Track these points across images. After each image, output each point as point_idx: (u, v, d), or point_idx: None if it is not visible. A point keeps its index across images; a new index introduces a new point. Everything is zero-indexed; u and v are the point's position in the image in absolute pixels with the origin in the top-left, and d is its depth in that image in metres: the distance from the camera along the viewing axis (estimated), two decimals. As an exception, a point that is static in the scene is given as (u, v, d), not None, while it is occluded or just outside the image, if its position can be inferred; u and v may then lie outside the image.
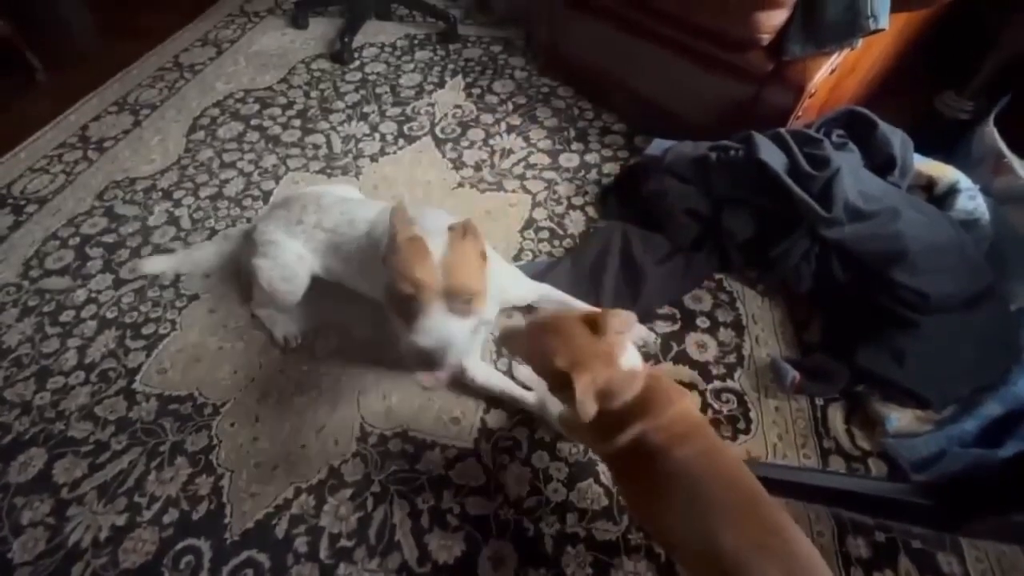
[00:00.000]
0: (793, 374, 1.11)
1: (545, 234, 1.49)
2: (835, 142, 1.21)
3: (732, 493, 0.72)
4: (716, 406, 1.15)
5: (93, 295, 1.37)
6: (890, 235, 1.06)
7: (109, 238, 1.51)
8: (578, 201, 1.59)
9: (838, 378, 1.10)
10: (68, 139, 1.84)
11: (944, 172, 1.22)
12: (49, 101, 1.98)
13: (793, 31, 1.23)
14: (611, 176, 1.66)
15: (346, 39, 2.18)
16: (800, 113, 1.30)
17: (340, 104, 1.96)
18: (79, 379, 1.21)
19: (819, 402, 1.14)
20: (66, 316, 1.33)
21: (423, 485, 1.05)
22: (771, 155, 1.17)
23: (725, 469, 0.75)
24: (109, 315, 1.33)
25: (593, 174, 1.68)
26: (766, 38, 1.27)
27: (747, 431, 1.11)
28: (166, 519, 1.01)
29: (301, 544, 0.98)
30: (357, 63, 2.15)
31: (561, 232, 1.50)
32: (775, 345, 1.25)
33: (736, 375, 1.20)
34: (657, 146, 1.44)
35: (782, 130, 1.23)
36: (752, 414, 1.13)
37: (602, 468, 1.06)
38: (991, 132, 1.31)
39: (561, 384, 0.77)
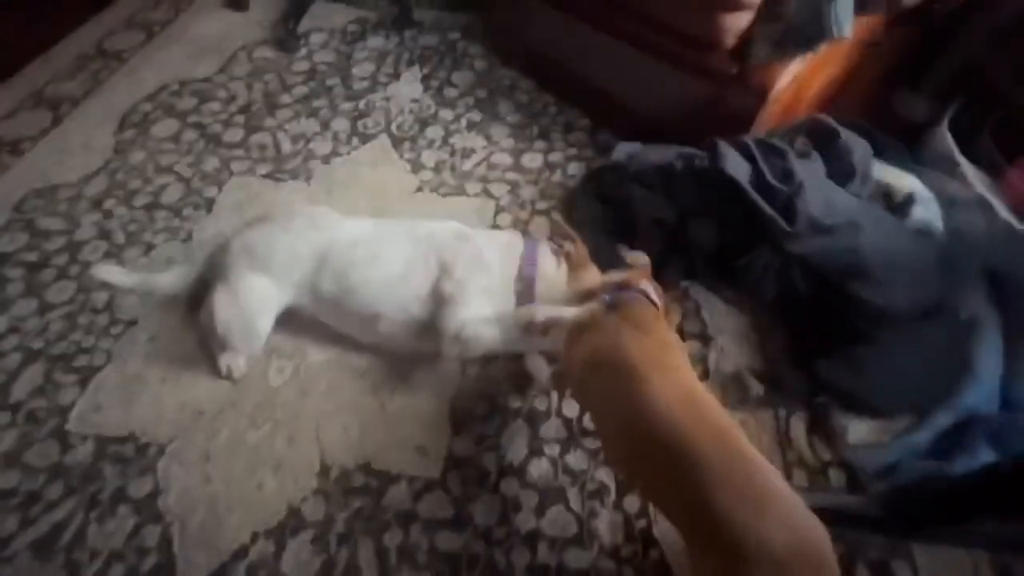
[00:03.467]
0: (757, 388, 1.12)
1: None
2: (799, 151, 1.20)
3: (720, 447, 0.69)
4: (683, 421, 1.15)
5: (15, 323, 1.25)
6: (850, 249, 1.07)
7: (31, 256, 1.37)
8: (543, 206, 1.54)
9: (799, 390, 1.12)
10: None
11: (902, 181, 1.23)
12: (-49, 95, 1.76)
13: (757, 35, 1.19)
14: (576, 177, 1.61)
15: (291, 24, 2.02)
16: (764, 118, 1.28)
17: (287, 98, 1.82)
18: (3, 421, 1.11)
19: (782, 414, 1.15)
20: (-16, 349, 1.21)
21: (389, 522, 1.01)
22: (736, 167, 1.15)
23: (710, 419, 0.73)
24: (35, 346, 1.21)
25: (557, 175, 1.63)
26: (730, 40, 1.24)
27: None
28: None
29: (260, 593, 0.94)
30: (304, 51, 2.00)
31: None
32: (739, 356, 1.26)
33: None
34: (622, 151, 1.40)
35: (747, 139, 1.21)
36: (718, 428, 1.14)
37: (571, 494, 1.05)
38: (944, 137, 1.32)
39: None
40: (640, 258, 1.05)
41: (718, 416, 0.74)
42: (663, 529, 1.01)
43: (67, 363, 1.19)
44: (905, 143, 1.44)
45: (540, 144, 1.71)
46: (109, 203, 1.50)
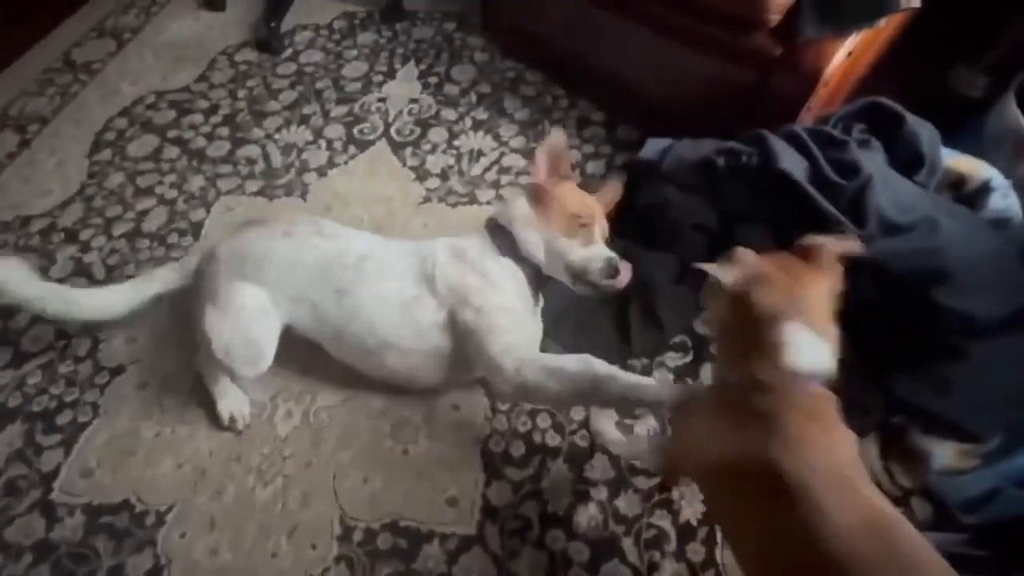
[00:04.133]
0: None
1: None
2: (857, 139, 1.07)
3: None
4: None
5: (-11, 379, 1.12)
6: (930, 251, 0.94)
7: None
8: (563, 211, 1.40)
9: (874, 408, 1.00)
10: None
11: (975, 169, 1.10)
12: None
13: (807, 9, 1.05)
14: (595, 176, 1.48)
15: (273, 23, 1.86)
16: (811, 104, 1.15)
17: (274, 105, 1.68)
18: (-22, 496, 0.98)
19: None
20: (-43, 409, 1.08)
21: (424, 589, 0.89)
22: (791, 162, 1.01)
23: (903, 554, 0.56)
24: (11, 403, 1.09)
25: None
26: (774, 18, 1.09)
27: (779, 478, 1.00)
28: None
29: None
30: (289, 51, 1.84)
31: (549, 251, 1.32)
32: (797, 369, 1.13)
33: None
34: (652, 147, 1.26)
35: (798, 129, 1.07)
36: (782, 457, 1.02)
37: (626, 544, 0.93)
38: (1013, 110, 1.19)
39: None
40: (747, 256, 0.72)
41: (913, 549, 0.58)
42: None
43: (49, 421, 1.06)
44: (958, 121, 1.31)
45: (554, 142, 1.56)
46: (86, 234, 1.36)
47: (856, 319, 1.04)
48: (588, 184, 1.01)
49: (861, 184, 0.96)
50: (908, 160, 1.07)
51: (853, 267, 1.00)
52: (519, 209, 1.03)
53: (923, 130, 1.07)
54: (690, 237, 1.14)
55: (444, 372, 1.00)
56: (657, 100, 1.44)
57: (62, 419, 1.07)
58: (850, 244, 0.70)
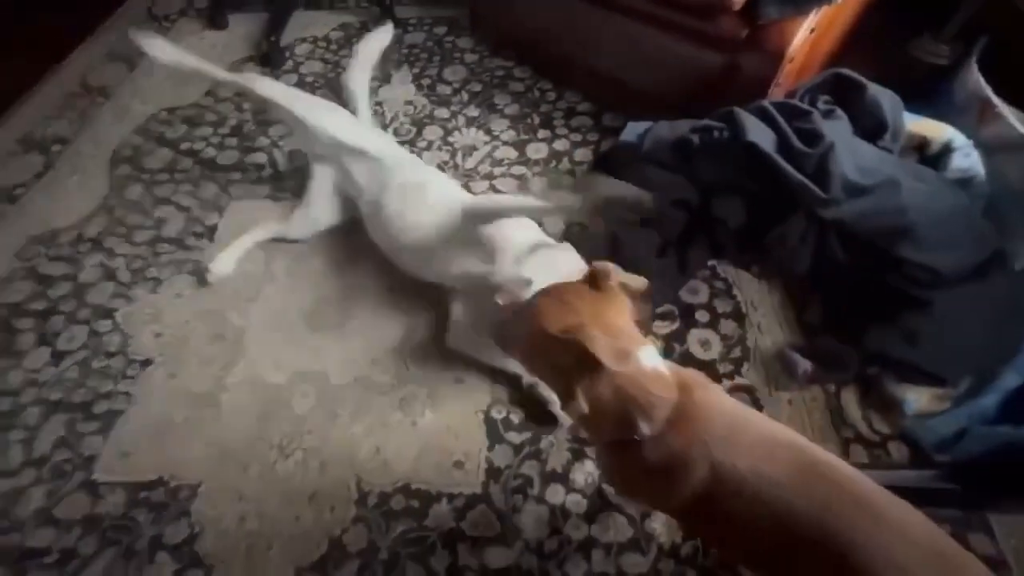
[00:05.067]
0: (805, 365, 1.06)
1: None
2: (822, 109, 1.13)
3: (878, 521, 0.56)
4: (728, 408, 1.10)
5: (31, 375, 1.21)
6: (893, 210, 1.01)
7: (39, 305, 1.34)
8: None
9: (850, 362, 1.06)
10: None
11: (937, 131, 1.16)
12: (-61, 149, 1.72)
13: (768, -11, 1.12)
14: (584, 164, 1.55)
15: (273, 37, 1.96)
16: (780, 81, 1.21)
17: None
18: (30, 478, 1.07)
19: (832, 389, 1.10)
20: (2, 405, 1.17)
21: (435, 543, 0.97)
22: (759, 134, 1.08)
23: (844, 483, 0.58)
24: (53, 397, 1.18)
25: (565, 163, 1.57)
26: (738, 1, 1.16)
27: (763, 431, 1.07)
28: (157, 625, 0.92)
29: (312, 633, 0.90)
30: (290, 63, 1.94)
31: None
32: (778, 331, 1.20)
33: (744, 369, 1.15)
34: (631, 131, 1.34)
35: (766, 103, 1.14)
36: (766, 410, 1.09)
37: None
38: (975, 77, 1.25)
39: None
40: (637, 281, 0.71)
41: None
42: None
43: (87, 411, 1.16)
44: (926, 90, 1.37)
45: (543, 133, 1.64)
46: (110, 242, 1.46)
47: (829, 280, 1.11)
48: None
49: (824, 151, 1.03)
50: (872, 126, 1.13)
51: (821, 232, 1.08)
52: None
53: (884, 98, 1.13)
54: (671, 213, 1.21)
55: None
56: (638, 87, 1.51)
57: (99, 408, 1.16)
58: (639, 281, 0.69)
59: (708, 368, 1.15)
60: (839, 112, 1.13)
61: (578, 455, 1.06)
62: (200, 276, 1.34)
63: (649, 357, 0.63)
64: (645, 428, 0.61)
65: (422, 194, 1.17)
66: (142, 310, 1.31)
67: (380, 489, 1.03)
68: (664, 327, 1.21)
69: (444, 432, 1.10)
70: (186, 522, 1.01)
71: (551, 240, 1.16)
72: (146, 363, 1.22)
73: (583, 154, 1.58)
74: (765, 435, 0.63)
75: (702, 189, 1.19)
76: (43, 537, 1.01)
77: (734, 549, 0.70)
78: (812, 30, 1.16)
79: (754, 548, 0.63)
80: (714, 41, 1.25)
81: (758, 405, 1.10)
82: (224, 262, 1.33)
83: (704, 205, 1.20)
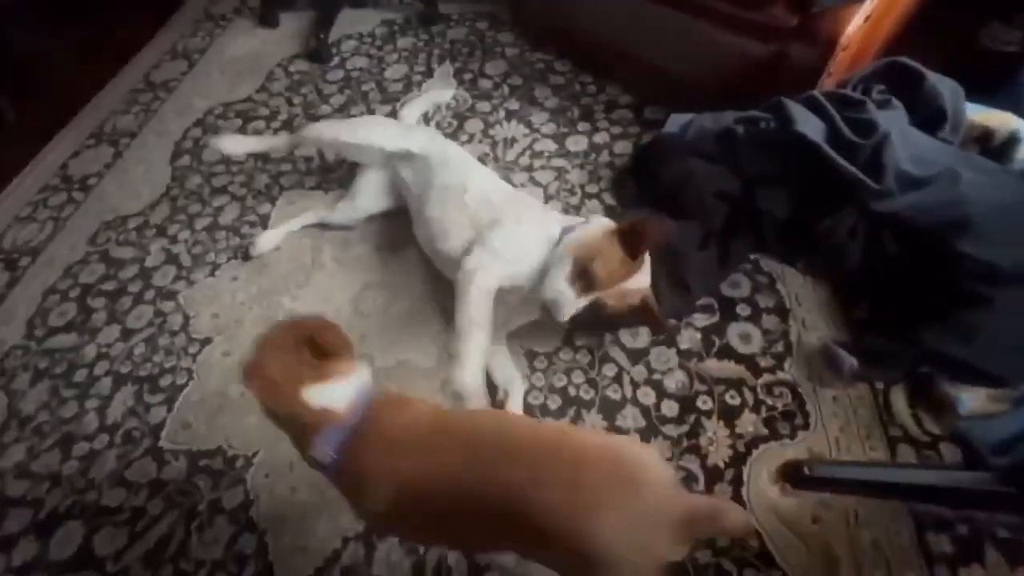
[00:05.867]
0: (851, 361, 1.04)
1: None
2: (876, 100, 1.10)
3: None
4: (769, 402, 1.09)
5: (103, 350, 1.32)
6: (951, 202, 0.97)
7: (109, 285, 1.44)
8: (592, 189, 1.49)
9: (900, 361, 1.03)
10: (50, 181, 1.74)
11: (1002, 121, 1.10)
12: (22, 141, 1.87)
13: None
14: (624, 156, 1.55)
15: (321, 35, 2.04)
16: (832, 70, 1.18)
17: (326, 108, 1.84)
18: (104, 443, 1.17)
19: (880, 387, 1.07)
20: (79, 376, 1.28)
21: (474, 522, 1.00)
22: (808, 125, 1.06)
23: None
24: (123, 370, 1.28)
25: (604, 156, 1.57)
26: (788, -11, 1.14)
27: (805, 426, 1.05)
28: (216, 584, 0.98)
29: (357, 597, 0.95)
30: (337, 59, 2.01)
31: (580, 226, 1.41)
32: (824, 328, 1.17)
33: (786, 365, 1.14)
34: (674, 122, 1.33)
35: (816, 93, 1.12)
36: (809, 407, 1.07)
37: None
38: (1045, 64, 1.18)
39: None
40: None
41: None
42: (759, 514, 0.96)
43: (154, 384, 1.24)
44: (993, 80, 1.30)
45: (583, 126, 1.65)
46: (173, 228, 1.56)
47: (879, 275, 1.08)
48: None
49: (878, 141, 1.00)
50: (930, 117, 1.09)
51: (873, 225, 1.05)
52: (586, 234, 1.02)
53: (944, 87, 1.09)
54: (713, 205, 1.20)
55: None
56: (681, 78, 1.50)
57: (164, 382, 1.25)
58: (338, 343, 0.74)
59: (748, 362, 1.14)
60: (895, 102, 1.10)
61: (614, 443, 1.07)
62: (247, 255, 1.43)
63: (317, 396, 0.69)
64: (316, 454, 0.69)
65: (461, 199, 1.18)
66: (201, 292, 1.39)
67: (421, 467, 1.07)
68: (704, 320, 1.21)
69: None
70: (242, 489, 1.08)
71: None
72: (205, 341, 1.31)
73: (623, 147, 1.58)
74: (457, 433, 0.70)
75: (746, 181, 1.18)
76: (115, 497, 1.10)
77: (429, 539, 0.81)
78: (867, 17, 1.13)
79: (447, 534, 0.72)
80: (762, 30, 1.23)
81: (800, 401, 1.08)
82: (267, 239, 1.43)
83: (747, 197, 1.18)
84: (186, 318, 1.35)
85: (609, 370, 1.16)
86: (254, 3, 2.33)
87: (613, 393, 1.13)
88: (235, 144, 1.47)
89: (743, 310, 1.22)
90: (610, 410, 1.11)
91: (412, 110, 1.60)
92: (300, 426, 0.71)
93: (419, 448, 0.68)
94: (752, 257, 1.28)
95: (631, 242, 0.95)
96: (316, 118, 1.81)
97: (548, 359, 1.19)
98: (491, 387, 1.15)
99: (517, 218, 1.09)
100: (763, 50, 1.25)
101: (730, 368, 1.13)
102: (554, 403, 1.13)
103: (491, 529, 0.65)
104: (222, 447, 1.14)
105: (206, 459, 1.13)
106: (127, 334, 1.34)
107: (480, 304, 0.99)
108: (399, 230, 1.42)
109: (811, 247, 1.15)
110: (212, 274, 1.43)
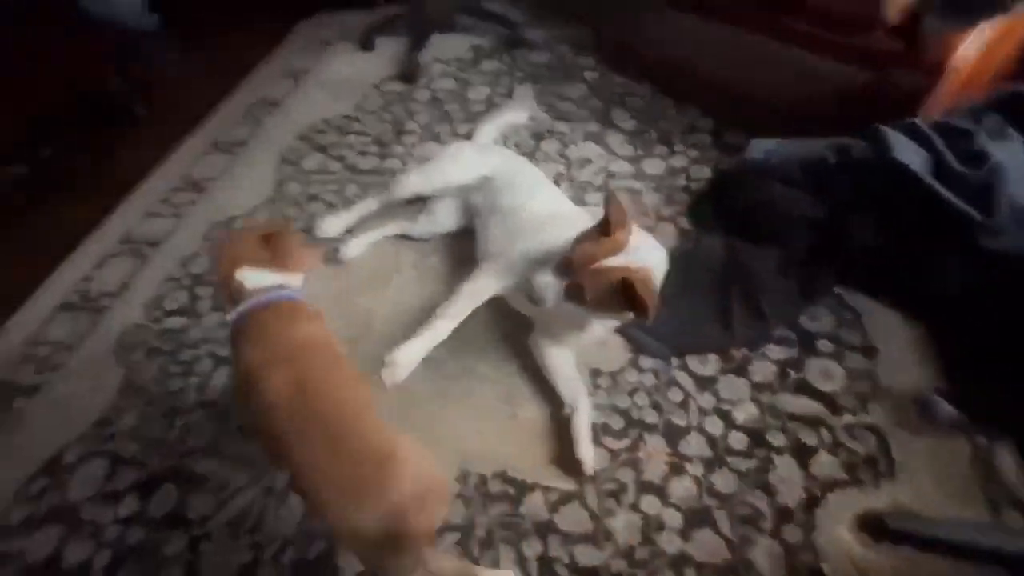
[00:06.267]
0: (947, 409, 0.96)
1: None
2: (989, 129, 1.02)
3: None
4: (850, 445, 1.02)
5: (207, 334, 1.47)
6: (1077, 244, 0.88)
7: (215, 277, 1.61)
8: (668, 212, 1.48)
9: (1006, 412, 0.93)
10: (174, 182, 1.98)
11: None
12: (153, 147, 2.14)
13: (936, 5, 1.04)
14: (701, 180, 1.53)
15: (413, 58, 2.19)
16: (938, 97, 1.11)
17: (412, 125, 1.97)
18: (203, 416, 1.30)
19: (983, 442, 0.97)
20: (185, 355, 1.43)
21: (528, 530, 1.01)
22: (907, 153, 1.00)
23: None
24: (221, 353, 1.42)
25: (681, 179, 1.56)
26: (895, 16, 1.09)
27: (891, 476, 0.98)
28: (285, 558, 1.06)
29: (412, 590, 0.98)
30: (425, 81, 2.15)
31: (652, 248, 1.40)
32: (916, 371, 1.09)
33: (871, 407, 1.06)
34: (757, 148, 1.30)
35: (917, 121, 1.06)
36: (896, 455, 0.99)
37: (720, 516, 0.97)
38: None
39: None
40: None
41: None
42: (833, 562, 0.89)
43: (247, 368, 1.37)
44: None
45: (660, 149, 1.65)
46: (272, 229, 1.72)
47: (984, 316, 1.00)
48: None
49: (989, 173, 0.93)
50: (1054, 151, 0.99)
51: (979, 263, 0.97)
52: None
53: (1073, 118, 0.99)
54: (796, 232, 1.16)
55: None
56: (767, 104, 1.47)
57: (255, 367, 1.37)
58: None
59: (828, 400, 1.08)
60: (1011, 132, 1.01)
61: (677, 469, 1.04)
62: (335, 258, 1.53)
63: (243, 275, 0.89)
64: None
65: (518, 219, 1.21)
66: (293, 288, 1.52)
67: (480, 471, 1.10)
68: (780, 352, 1.16)
69: (543, 429, 1.15)
70: (315, 473, 1.15)
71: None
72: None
73: (701, 171, 1.56)
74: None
75: (833, 209, 1.13)
76: (206, 466, 1.21)
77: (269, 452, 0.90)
78: (980, 43, 1.06)
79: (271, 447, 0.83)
80: (862, 56, 1.19)
81: (885, 448, 1.01)
82: (354, 246, 1.53)
83: (834, 226, 1.13)
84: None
85: (675, 395, 1.14)
86: (355, 29, 2.55)
87: (678, 419, 1.11)
88: (333, 225, 1.58)
89: (824, 346, 1.15)
90: (674, 435, 1.09)
91: (488, 130, 1.68)
92: (226, 292, 0.92)
93: (273, 358, 0.82)
94: (837, 290, 1.21)
95: (605, 223, 0.94)
96: (403, 133, 1.94)
97: (612, 378, 1.19)
98: (557, 401, 1.17)
99: (556, 236, 1.10)
100: (861, 76, 1.21)
101: (807, 405, 1.08)
102: (616, 423, 1.13)
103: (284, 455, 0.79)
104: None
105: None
106: (226, 323, 1.48)
107: (462, 302, 1.10)
108: (471, 245, 1.48)
109: (904, 283, 1.08)
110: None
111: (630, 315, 0.90)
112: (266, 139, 2.08)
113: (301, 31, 2.63)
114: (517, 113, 1.82)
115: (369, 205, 1.58)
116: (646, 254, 0.94)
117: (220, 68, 2.50)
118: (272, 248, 0.91)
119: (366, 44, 2.42)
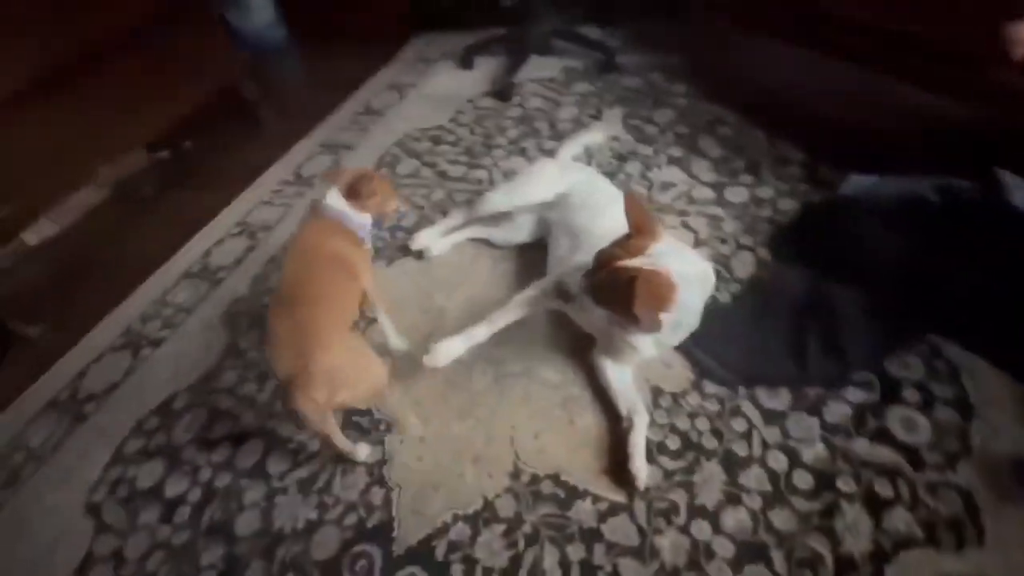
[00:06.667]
0: (1052, 481, 0.87)
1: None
2: None
3: None
4: (931, 503, 0.95)
5: (299, 310, 1.63)
6: None
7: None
8: (747, 241, 1.46)
9: None
10: (286, 177, 2.22)
11: None
12: (272, 145, 2.42)
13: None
14: (788, 213, 1.49)
15: (509, 77, 2.32)
16: (1069, 142, 1.03)
17: (501, 140, 2.08)
18: (288, 384, 1.44)
19: (1094, 522, 0.87)
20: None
21: (574, 535, 1.03)
22: (1025, 199, 0.94)
23: None
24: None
25: (766, 210, 1.53)
26: (1021, 51, 1.03)
27: (978, 543, 0.90)
28: (347, 521, 1.14)
29: (457, 571, 1.03)
30: (518, 99, 2.27)
31: (727, 275, 1.39)
32: (1017, 436, 0.99)
33: (959, 467, 0.98)
34: (853, 184, 1.26)
35: (1042, 166, 0.98)
36: (985, 522, 0.91)
37: (776, 555, 0.94)
38: None
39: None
40: None
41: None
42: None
43: (330, 345, 1.50)
44: None
45: (746, 178, 1.63)
46: (365, 225, 1.88)
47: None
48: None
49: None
50: None
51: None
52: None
53: None
54: (890, 273, 1.10)
55: None
56: (869, 140, 1.41)
57: (337, 346, 1.50)
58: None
59: (909, 452, 1.01)
60: None
61: (732, 499, 1.02)
62: (420, 255, 1.66)
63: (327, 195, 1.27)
64: None
65: (586, 238, 1.24)
66: (378, 277, 1.65)
67: (532, 471, 1.14)
68: (859, 395, 1.10)
69: (599, 438, 1.16)
70: (381, 448, 1.24)
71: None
72: (373, 320, 1.54)
73: (788, 204, 1.52)
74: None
75: (935, 253, 1.07)
76: (289, 429, 1.34)
77: None
78: None
79: None
80: (978, 92, 1.12)
81: (973, 512, 0.93)
82: (439, 245, 1.65)
83: (935, 271, 1.07)
84: (363, 295, 1.60)
85: (738, 424, 1.12)
86: (458, 49, 2.74)
87: (740, 449, 1.08)
88: (426, 238, 1.67)
89: (911, 395, 1.08)
90: (733, 465, 1.06)
91: (571, 148, 1.75)
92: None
93: (296, 252, 1.19)
94: (932, 339, 1.13)
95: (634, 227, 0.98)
96: (492, 147, 2.06)
97: (674, 399, 1.19)
98: (615, 415, 1.18)
99: None
100: (978, 114, 1.14)
101: (885, 454, 1.02)
102: (673, 443, 1.12)
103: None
104: (371, 410, 1.33)
105: (357, 415, 1.32)
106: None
107: (509, 311, 1.22)
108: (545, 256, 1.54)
109: (1011, 341, 0.99)
110: (388, 265, 1.70)
111: (637, 320, 0.90)
112: (369, 143, 2.28)
113: (409, 50, 2.87)
114: (597, 134, 1.87)
115: (455, 219, 1.68)
116: (672, 261, 0.93)
117: (334, 80, 2.79)
118: (356, 186, 1.25)
119: (466, 63, 2.59)
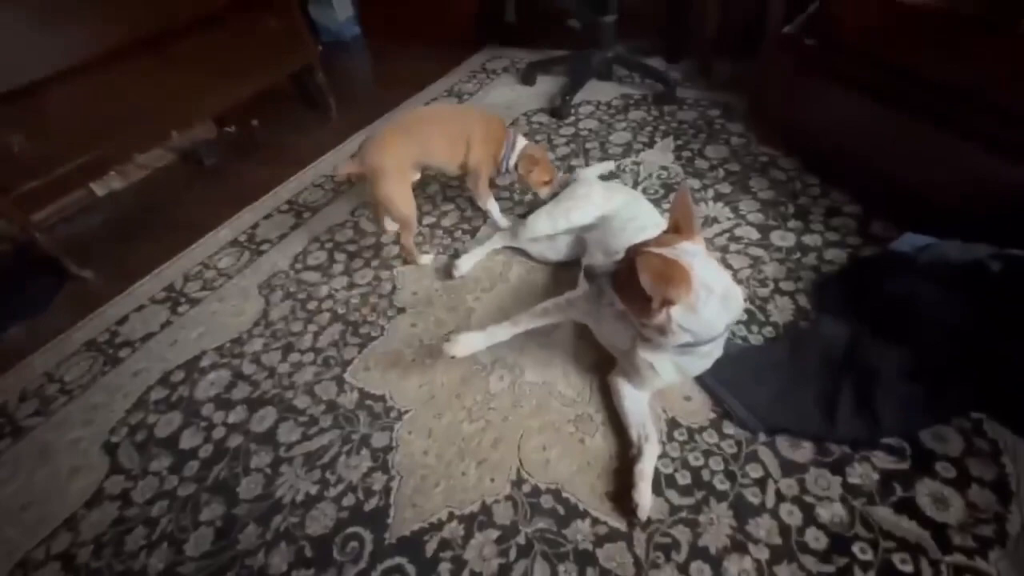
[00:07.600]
0: (1097, 586, 0.79)
1: (743, 316, 1.36)
2: None
3: None
4: (955, 588, 0.88)
5: (332, 292, 1.67)
6: None
7: (351, 247, 1.84)
8: (788, 286, 1.42)
9: None
10: (340, 164, 2.30)
11: None
12: (332, 133, 2.52)
13: None
14: (834, 263, 1.45)
15: (566, 96, 2.35)
16: None
17: (551, 155, 2.10)
18: (309, 359, 1.47)
19: None
20: (311, 305, 1.64)
21: (568, 554, 1.01)
22: (1097, 279, 0.88)
23: None
24: (339, 311, 1.60)
25: (811, 258, 1.49)
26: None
27: (1005, 639, 0.83)
28: (345, 501, 1.15)
29: (444, 570, 1.02)
30: (572, 119, 2.29)
31: (762, 318, 1.35)
32: (1063, 532, 0.92)
33: (992, 556, 0.91)
34: (908, 241, 1.21)
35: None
36: (1015, 617, 0.84)
37: (778, 612, 0.89)
38: None
39: None
40: None
41: None
42: None
43: (355, 329, 1.54)
44: None
45: (794, 224, 1.59)
46: (407, 219, 1.92)
47: None
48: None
49: None
50: None
51: None
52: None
53: None
54: (937, 338, 1.05)
55: None
56: (928, 199, 1.36)
57: (363, 330, 1.53)
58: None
59: (936, 530, 0.95)
60: None
61: (738, 546, 0.97)
62: (450, 266, 1.64)
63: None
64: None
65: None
66: (411, 272, 1.69)
67: (535, 482, 1.12)
68: (887, 461, 1.04)
69: (607, 461, 1.14)
70: (389, 435, 1.25)
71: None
72: (401, 310, 1.57)
73: (836, 254, 1.48)
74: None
75: (987, 324, 1.01)
76: (303, 401, 1.37)
77: None
78: None
79: None
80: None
81: (1003, 606, 0.86)
82: (466, 263, 1.64)
83: (984, 343, 1.01)
84: (394, 288, 1.64)
85: (754, 470, 1.08)
86: (521, 65, 2.81)
87: (752, 496, 1.04)
88: (466, 264, 1.64)
89: (945, 469, 1.02)
90: (743, 511, 1.02)
91: (598, 169, 1.82)
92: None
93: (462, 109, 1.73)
94: (975, 416, 1.07)
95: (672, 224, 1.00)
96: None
97: (690, 434, 1.16)
98: (626, 440, 1.16)
99: None
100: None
101: (909, 528, 0.96)
102: (683, 479, 1.09)
103: None
104: (385, 396, 1.34)
105: (371, 400, 1.34)
106: (351, 286, 1.68)
107: (533, 317, 1.25)
108: (576, 273, 1.54)
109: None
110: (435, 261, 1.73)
111: (648, 312, 0.91)
112: (422, 143, 2.35)
113: (474, 60, 2.95)
114: (611, 164, 1.95)
115: (495, 243, 1.69)
116: (697, 263, 0.91)
117: (400, 79, 2.89)
118: (535, 153, 1.68)
119: (528, 79, 2.65)
